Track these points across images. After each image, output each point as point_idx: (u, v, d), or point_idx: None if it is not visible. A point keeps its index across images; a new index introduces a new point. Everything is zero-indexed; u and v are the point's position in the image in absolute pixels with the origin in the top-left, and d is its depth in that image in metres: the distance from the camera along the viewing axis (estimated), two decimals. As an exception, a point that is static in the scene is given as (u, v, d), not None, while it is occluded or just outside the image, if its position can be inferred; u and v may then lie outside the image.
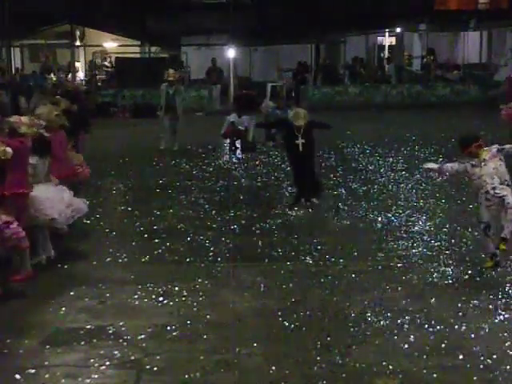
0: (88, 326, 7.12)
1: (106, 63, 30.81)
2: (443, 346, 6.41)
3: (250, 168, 15.33)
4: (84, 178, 11.25)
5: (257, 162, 15.91)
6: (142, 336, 6.83)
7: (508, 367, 6.05)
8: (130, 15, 29.15)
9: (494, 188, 8.01)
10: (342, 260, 9.01)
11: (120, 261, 9.14)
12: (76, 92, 16.69)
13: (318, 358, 6.34)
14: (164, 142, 18.06)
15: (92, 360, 6.39)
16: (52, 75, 28.66)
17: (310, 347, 6.56)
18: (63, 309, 7.57)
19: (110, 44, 30.93)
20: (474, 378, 5.91)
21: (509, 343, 6.50)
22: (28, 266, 8.25)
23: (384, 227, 10.44)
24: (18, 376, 6.09)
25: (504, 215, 7.99)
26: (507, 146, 8.26)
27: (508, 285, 7.93)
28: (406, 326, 6.92)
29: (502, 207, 7.98)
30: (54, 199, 8.73)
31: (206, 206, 11.87)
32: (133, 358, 6.44)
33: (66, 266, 8.93)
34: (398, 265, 8.75)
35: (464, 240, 9.64)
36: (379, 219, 10.72)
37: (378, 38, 33.11)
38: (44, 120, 9.22)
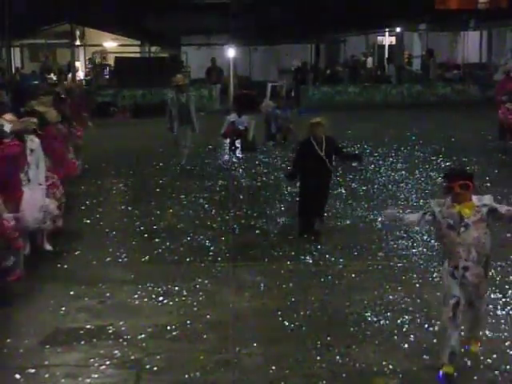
0: (88, 326, 7.12)
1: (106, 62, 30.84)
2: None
3: (249, 168, 15.33)
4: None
5: (257, 162, 15.91)
6: (142, 336, 6.84)
7: (508, 367, 6.05)
8: (130, 15, 29.15)
9: (465, 269, 5.85)
10: (341, 260, 9.01)
11: (120, 261, 9.14)
12: (69, 90, 16.53)
13: (318, 358, 6.34)
14: (183, 155, 15.36)
15: (92, 360, 6.40)
16: (52, 75, 28.66)
17: (309, 347, 6.56)
18: (63, 309, 7.57)
19: (110, 44, 30.93)
20: (474, 377, 5.92)
21: (509, 343, 6.51)
22: (21, 265, 8.25)
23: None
24: (18, 376, 6.09)
25: (473, 315, 6.23)
26: (503, 209, 5.88)
27: (508, 285, 7.93)
28: (406, 325, 6.92)
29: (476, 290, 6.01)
30: (27, 203, 8.63)
31: (206, 206, 11.87)
32: (133, 357, 6.44)
33: (65, 266, 8.93)
34: (398, 265, 8.75)
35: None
36: (379, 219, 10.72)
37: (378, 37, 33.11)
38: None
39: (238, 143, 17.97)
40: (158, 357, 6.44)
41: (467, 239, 5.80)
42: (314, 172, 9.74)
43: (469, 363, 6.12)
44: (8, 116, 9.21)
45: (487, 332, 6.74)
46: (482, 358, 6.20)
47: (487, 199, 5.90)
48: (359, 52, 32.11)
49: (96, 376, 6.12)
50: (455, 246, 5.84)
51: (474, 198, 5.86)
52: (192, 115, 14.97)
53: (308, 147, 9.80)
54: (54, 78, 27.70)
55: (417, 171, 14.07)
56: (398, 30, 30.51)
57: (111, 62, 29.99)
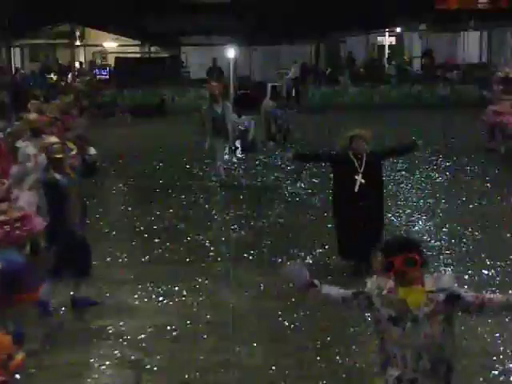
0: (88, 326, 7.13)
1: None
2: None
3: (249, 168, 15.33)
4: None
5: (257, 162, 15.90)
6: (142, 336, 6.84)
7: (508, 367, 6.05)
8: (130, 15, 29.12)
9: (412, 382, 4.14)
10: (341, 260, 9.00)
11: (120, 261, 9.14)
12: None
13: (318, 358, 6.34)
14: (220, 170, 13.87)
15: (92, 360, 6.40)
16: (52, 75, 28.64)
17: (309, 347, 6.56)
18: (63, 308, 7.57)
19: (110, 44, 30.92)
20: (474, 377, 5.92)
21: (509, 343, 6.50)
22: None
23: (384, 227, 10.43)
24: (17, 376, 6.09)
25: None
26: (469, 296, 4.14)
27: (508, 285, 7.93)
28: (405, 325, 6.92)
29: None
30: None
31: (206, 206, 11.87)
32: (133, 357, 6.45)
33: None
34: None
35: (464, 240, 9.64)
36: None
37: (378, 37, 33.10)
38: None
39: (238, 143, 17.97)
40: (158, 357, 6.44)
41: (416, 340, 4.07)
42: (355, 197, 7.92)
43: (469, 363, 6.12)
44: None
45: (487, 332, 6.74)
46: (482, 357, 6.21)
47: (446, 281, 4.17)
48: (359, 52, 32.11)
49: (96, 376, 6.12)
50: (400, 349, 4.14)
51: (428, 279, 4.14)
52: (228, 127, 13.47)
53: (345, 165, 8.02)
54: (54, 78, 27.68)
55: (417, 171, 14.07)
56: (398, 30, 30.49)
57: (111, 62, 30.00)
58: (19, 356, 4.85)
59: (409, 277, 4.06)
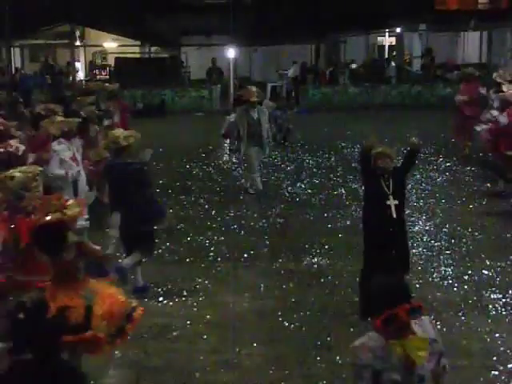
0: (88, 326, 7.12)
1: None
2: (443, 345, 6.41)
3: (249, 168, 15.31)
4: None
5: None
6: (142, 336, 6.83)
7: (508, 367, 6.05)
8: (129, 15, 29.12)
9: None
10: (341, 260, 9.01)
11: (120, 261, 9.13)
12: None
13: (318, 358, 6.34)
14: (257, 181, 12.82)
15: (92, 360, 6.39)
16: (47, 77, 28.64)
17: (309, 347, 6.56)
18: (63, 309, 7.57)
19: (110, 44, 30.92)
20: (474, 377, 5.92)
21: (509, 343, 6.50)
22: None
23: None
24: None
25: None
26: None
27: (508, 285, 7.93)
28: (406, 325, 6.91)
29: None
30: None
31: (206, 206, 11.87)
32: (133, 358, 6.45)
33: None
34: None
35: (464, 240, 9.64)
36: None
37: (378, 37, 33.10)
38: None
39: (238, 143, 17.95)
40: (158, 357, 6.44)
41: None
42: (383, 221, 7.06)
43: (469, 363, 6.12)
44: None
45: (487, 332, 6.74)
46: (482, 357, 6.21)
47: (430, 328, 3.76)
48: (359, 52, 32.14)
49: (96, 376, 6.11)
50: None
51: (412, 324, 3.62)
52: (264, 134, 12.60)
53: (374, 181, 7.12)
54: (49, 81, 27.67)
55: (417, 171, 14.06)
56: (398, 30, 30.49)
57: (111, 62, 30.00)
58: (136, 312, 5.21)
59: (409, 327, 3.58)
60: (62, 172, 8.89)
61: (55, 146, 9.02)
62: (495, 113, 12.02)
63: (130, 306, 5.12)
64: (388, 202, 7.00)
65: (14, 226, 5.79)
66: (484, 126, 12.43)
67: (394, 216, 7.00)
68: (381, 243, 7.01)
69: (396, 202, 7.02)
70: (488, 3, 30.30)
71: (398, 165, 7.46)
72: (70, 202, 5.61)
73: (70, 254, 5.26)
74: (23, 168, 6.42)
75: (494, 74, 15.13)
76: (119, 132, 8.31)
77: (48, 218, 5.29)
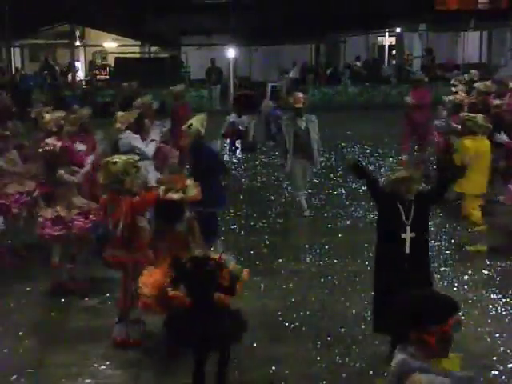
0: (88, 326, 7.12)
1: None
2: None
3: (249, 168, 15.33)
4: None
5: (257, 162, 15.91)
6: (142, 336, 6.83)
7: (508, 367, 6.05)
8: (129, 15, 29.11)
9: None
10: (341, 260, 9.01)
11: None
12: None
13: (318, 358, 6.34)
14: (302, 202, 11.36)
15: (92, 360, 6.40)
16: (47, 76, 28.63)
17: (309, 347, 6.56)
18: (63, 309, 7.57)
19: (110, 44, 30.91)
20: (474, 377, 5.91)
21: (509, 343, 6.50)
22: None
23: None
24: (18, 376, 6.09)
25: None
26: None
27: (508, 285, 7.93)
28: (405, 325, 6.91)
29: None
30: None
31: (206, 206, 11.84)
32: (133, 358, 6.44)
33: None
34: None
35: (464, 240, 9.64)
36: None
37: (378, 37, 33.10)
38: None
39: (238, 143, 17.96)
40: (158, 357, 6.44)
41: None
42: (404, 260, 6.09)
43: (469, 363, 6.12)
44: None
45: (487, 332, 6.74)
46: (482, 357, 6.20)
47: None
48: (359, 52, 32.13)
49: (96, 376, 6.12)
50: None
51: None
52: (313, 146, 11.18)
53: (390, 213, 6.18)
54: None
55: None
56: (398, 30, 30.49)
57: (111, 62, 30.00)
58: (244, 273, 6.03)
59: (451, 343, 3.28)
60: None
61: (129, 136, 9.25)
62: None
63: (238, 270, 5.99)
64: (403, 235, 6.07)
65: (118, 206, 6.55)
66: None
67: (407, 251, 6.04)
68: (388, 282, 6.07)
69: (413, 234, 6.05)
70: (488, 3, 30.29)
71: (424, 190, 6.65)
72: (189, 183, 6.55)
73: (184, 227, 6.45)
74: (124, 156, 7.16)
75: (453, 78, 15.19)
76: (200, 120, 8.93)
77: (174, 196, 6.35)
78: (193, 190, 6.51)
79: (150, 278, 6.25)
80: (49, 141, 8.21)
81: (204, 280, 5.67)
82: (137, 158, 7.36)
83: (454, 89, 13.50)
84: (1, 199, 8.79)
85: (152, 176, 8.92)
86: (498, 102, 11.54)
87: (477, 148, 9.13)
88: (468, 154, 8.79)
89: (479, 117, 9.45)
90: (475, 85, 12.95)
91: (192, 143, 8.90)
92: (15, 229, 9.30)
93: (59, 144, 8.15)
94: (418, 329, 3.26)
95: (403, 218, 6.04)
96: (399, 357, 3.29)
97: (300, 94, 11.56)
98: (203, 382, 5.70)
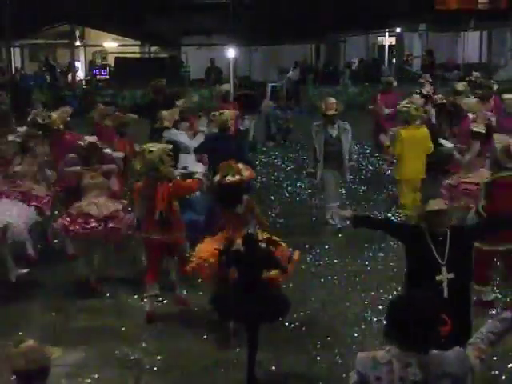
0: (88, 326, 7.12)
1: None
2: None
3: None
4: None
5: (257, 162, 15.90)
6: (142, 336, 6.84)
7: (509, 367, 6.05)
8: (129, 15, 29.11)
9: None
10: (341, 260, 9.01)
11: (120, 261, 9.12)
12: None
13: (318, 358, 6.34)
14: (334, 214, 10.48)
15: (92, 360, 6.40)
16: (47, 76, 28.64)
17: (309, 347, 6.56)
18: (63, 309, 7.57)
19: (110, 44, 30.91)
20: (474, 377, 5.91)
21: (509, 343, 6.50)
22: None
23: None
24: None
25: None
26: None
27: (507, 285, 7.93)
28: (406, 325, 6.91)
29: None
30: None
31: (206, 206, 11.84)
32: (133, 358, 6.45)
33: (65, 266, 8.92)
34: (398, 265, 8.74)
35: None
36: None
37: (378, 37, 33.10)
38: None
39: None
40: (158, 357, 6.44)
41: None
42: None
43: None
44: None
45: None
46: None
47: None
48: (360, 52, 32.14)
49: (96, 376, 6.12)
50: None
51: None
52: (344, 155, 10.56)
53: (419, 245, 5.23)
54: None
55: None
56: (398, 30, 30.50)
57: (111, 62, 30.00)
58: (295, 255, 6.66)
59: None
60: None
61: (175, 132, 10.11)
62: None
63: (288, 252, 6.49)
64: (439, 277, 5.14)
65: (155, 191, 7.00)
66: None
67: (445, 295, 5.12)
68: None
69: (451, 275, 5.14)
70: (488, 3, 30.32)
71: (463, 224, 6.02)
72: (241, 166, 6.91)
73: (242, 209, 6.84)
74: (159, 144, 7.62)
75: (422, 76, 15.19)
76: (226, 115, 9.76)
77: (232, 179, 6.73)
78: (246, 171, 6.88)
79: (210, 246, 6.71)
80: (86, 137, 8.72)
81: (256, 258, 5.97)
82: (170, 146, 7.68)
83: (424, 89, 13.47)
84: (33, 201, 8.82)
85: (193, 167, 9.20)
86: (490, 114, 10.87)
87: (412, 136, 10.07)
88: (403, 141, 10.03)
89: (412, 107, 10.19)
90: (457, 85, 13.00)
91: (218, 131, 9.63)
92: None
93: (90, 139, 8.58)
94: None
95: (433, 250, 5.15)
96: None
97: (332, 100, 10.80)
98: (256, 348, 5.96)
